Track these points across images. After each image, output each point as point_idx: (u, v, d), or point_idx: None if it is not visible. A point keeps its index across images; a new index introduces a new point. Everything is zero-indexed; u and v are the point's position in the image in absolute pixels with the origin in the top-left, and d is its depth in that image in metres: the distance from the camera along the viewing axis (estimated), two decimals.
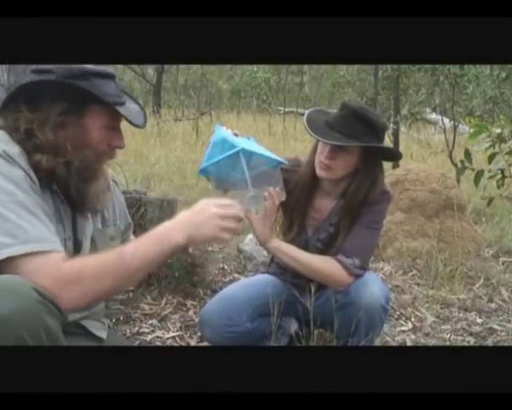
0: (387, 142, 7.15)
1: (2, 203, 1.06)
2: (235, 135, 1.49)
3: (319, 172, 1.71)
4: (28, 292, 0.99)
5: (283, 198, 1.59)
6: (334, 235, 1.77)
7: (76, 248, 1.26)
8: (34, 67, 1.19)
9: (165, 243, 1.14)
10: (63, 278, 1.06)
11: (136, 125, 1.24)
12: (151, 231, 1.16)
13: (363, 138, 1.64)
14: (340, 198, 1.78)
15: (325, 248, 1.79)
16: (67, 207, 1.24)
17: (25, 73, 1.20)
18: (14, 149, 1.13)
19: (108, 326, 1.45)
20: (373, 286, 1.65)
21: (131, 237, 1.53)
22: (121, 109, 1.21)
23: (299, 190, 1.79)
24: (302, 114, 1.83)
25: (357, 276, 1.67)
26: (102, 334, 1.37)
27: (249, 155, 1.40)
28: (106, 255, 1.13)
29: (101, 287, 1.10)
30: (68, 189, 1.20)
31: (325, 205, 1.81)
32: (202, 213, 1.17)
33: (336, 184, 1.77)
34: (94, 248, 1.31)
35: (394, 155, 1.94)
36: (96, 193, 1.25)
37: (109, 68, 1.25)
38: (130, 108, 1.26)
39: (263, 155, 1.45)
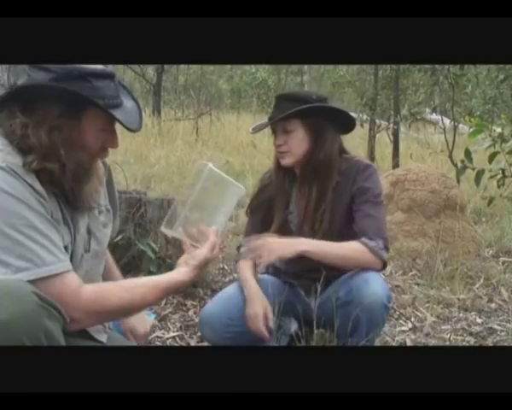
0: (386, 142, 7.16)
1: (13, 226, 1.06)
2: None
3: (282, 162, 1.77)
4: (28, 296, 0.99)
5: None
6: (327, 221, 1.76)
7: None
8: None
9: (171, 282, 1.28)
10: (83, 308, 1.14)
11: (131, 130, 1.22)
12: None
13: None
14: None
15: (323, 238, 1.76)
16: (69, 206, 1.24)
17: (25, 73, 1.17)
18: (15, 160, 1.11)
19: (109, 327, 1.45)
20: (375, 285, 1.64)
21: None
22: (117, 112, 1.19)
23: (278, 194, 1.82)
24: None
25: (382, 260, 1.70)
26: (103, 337, 1.37)
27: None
28: (125, 292, 1.21)
29: (117, 317, 1.36)
30: (63, 189, 1.20)
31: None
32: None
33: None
34: (90, 237, 1.30)
35: (337, 113, 1.77)
36: (89, 191, 1.25)
37: (110, 67, 1.23)
38: (126, 108, 1.24)
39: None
